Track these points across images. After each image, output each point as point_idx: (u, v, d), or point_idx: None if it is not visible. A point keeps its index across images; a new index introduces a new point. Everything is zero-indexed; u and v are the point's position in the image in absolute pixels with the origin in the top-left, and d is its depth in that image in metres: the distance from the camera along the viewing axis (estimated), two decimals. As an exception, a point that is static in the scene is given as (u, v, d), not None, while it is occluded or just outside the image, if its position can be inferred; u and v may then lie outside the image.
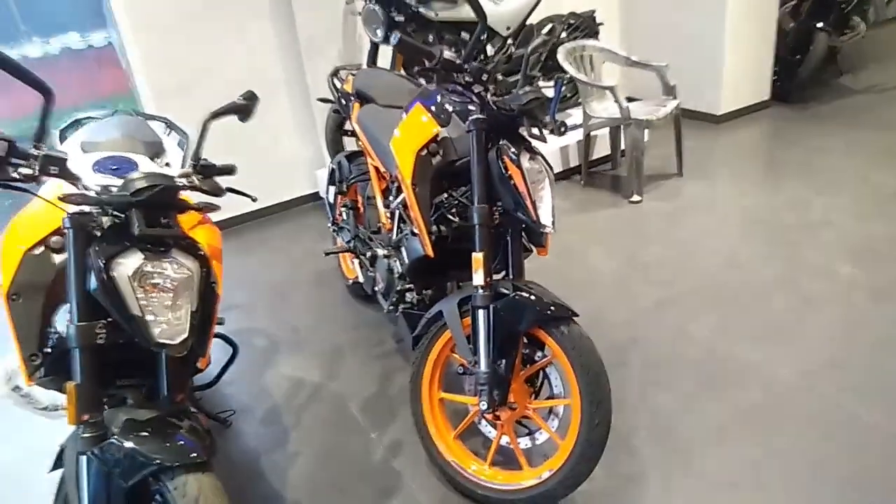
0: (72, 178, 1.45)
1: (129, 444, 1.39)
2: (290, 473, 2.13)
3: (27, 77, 1.46)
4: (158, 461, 1.38)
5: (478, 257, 1.77)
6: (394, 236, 2.34)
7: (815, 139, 4.52)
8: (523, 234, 1.96)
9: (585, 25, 4.53)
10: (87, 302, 1.44)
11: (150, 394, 1.63)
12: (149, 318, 1.44)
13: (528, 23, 4.29)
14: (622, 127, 3.79)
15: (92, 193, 1.45)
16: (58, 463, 1.54)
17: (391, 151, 2.04)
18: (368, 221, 2.76)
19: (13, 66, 1.42)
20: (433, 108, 1.99)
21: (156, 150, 2.33)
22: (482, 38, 1.83)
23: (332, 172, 3.07)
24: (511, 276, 1.92)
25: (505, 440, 1.93)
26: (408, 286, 2.23)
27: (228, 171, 1.86)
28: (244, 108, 1.81)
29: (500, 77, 4.12)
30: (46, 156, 1.38)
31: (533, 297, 1.75)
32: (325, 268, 3.46)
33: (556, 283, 3.03)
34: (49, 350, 1.55)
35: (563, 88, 4.46)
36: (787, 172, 4.03)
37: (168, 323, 1.47)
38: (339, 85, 2.87)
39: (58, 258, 1.58)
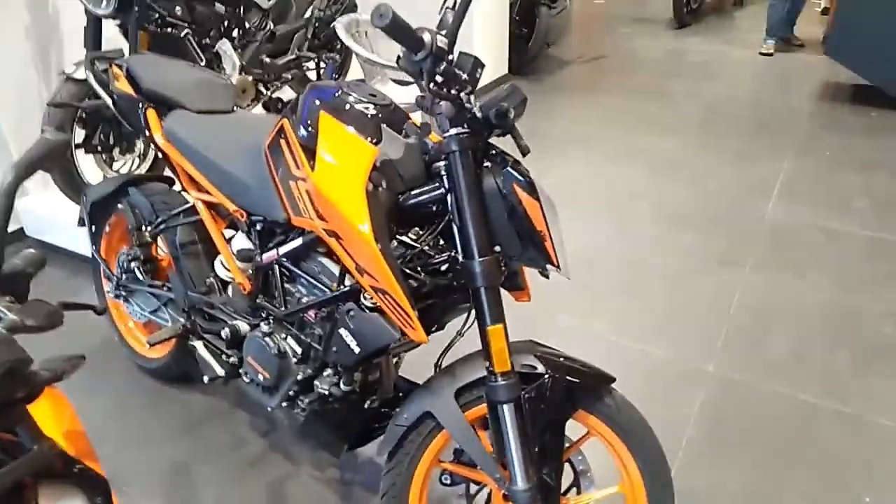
0: None
1: None
2: None
3: None
4: None
5: (495, 331, 1.24)
6: (277, 303, 1.60)
7: (569, 110, 4.74)
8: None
9: (345, -4, 3.96)
10: None
11: None
12: None
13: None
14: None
15: None
16: None
17: (296, 190, 1.34)
18: (190, 278, 1.91)
19: None
20: (346, 116, 1.34)
21: None
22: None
23: (94, 210, 2.07)
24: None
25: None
26: (325, 374, 1.54)
27: (41, 264, 1.00)
28: (64, 145, 0.95)
29: (266, 60, 3.35)
30: None
31: (570, 370, 1.30)
32: (87, 342, 2.40)
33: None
34: None
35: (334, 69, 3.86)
36: (568, 147, 4.11)
37: None
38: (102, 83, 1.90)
39: None
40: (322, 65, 3.71)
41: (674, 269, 2.80)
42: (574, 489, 1.46)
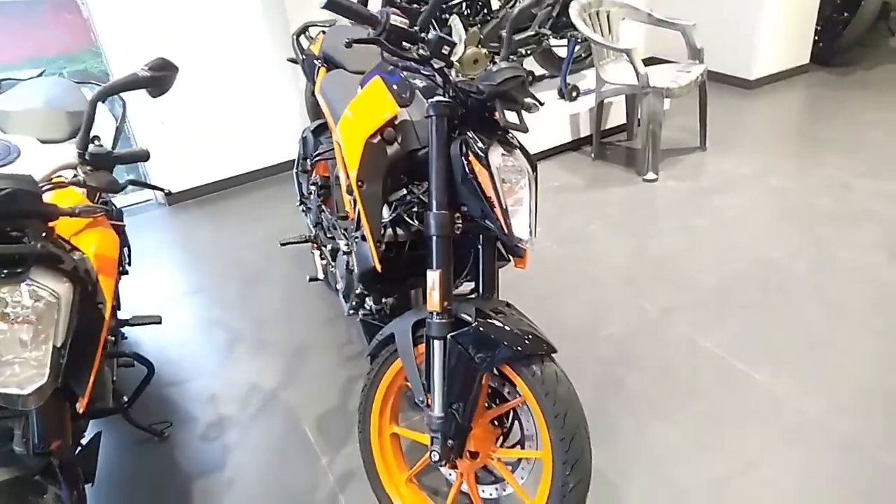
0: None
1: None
2: (224, 502, 1.86)
3: None
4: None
5: (433, 276, 1.43)
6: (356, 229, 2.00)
7: (860, 110, 4.03)
8: (498, 241, 1.61)
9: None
10: None
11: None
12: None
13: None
14: (639, 95, 3.36)
15: None
16: None
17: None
18: (336, 205, 2.41)
19: None
20: (395, 83, 1.61)
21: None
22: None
23: (304, 143, 2.71)
24: (481, 293, 1.58)
25: (466, 487, 1.62)
26: (365, 291, 1.90)
27: (138, 157, 1.53)
28: (151, 81, 1.45)
29: (503, 35, 3.68)
30: None
31: (499, 328, 1.41)
32: (304, 247, 3.14)
33: (552, 277, 2.70)
34: None
35: (577, 48, 4.00)
36: (826, 148, 3.58)
37: (23, 365, 1.17)
38: (306, 45, 2.49)
39: None
40: (563, 42, 3.89)
41: (850, 302, 2.37)
42: (518, 446, 1.56)
